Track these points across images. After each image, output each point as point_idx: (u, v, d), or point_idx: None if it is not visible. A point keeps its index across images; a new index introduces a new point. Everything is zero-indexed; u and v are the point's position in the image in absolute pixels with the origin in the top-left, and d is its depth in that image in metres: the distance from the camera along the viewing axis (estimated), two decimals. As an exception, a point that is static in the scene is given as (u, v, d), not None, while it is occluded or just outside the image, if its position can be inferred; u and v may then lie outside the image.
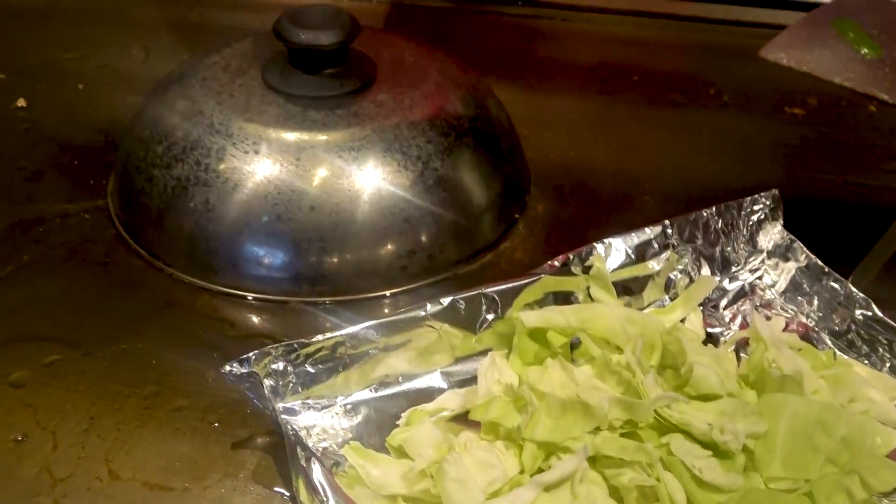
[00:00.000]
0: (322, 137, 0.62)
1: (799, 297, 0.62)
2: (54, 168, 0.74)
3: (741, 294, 0.62)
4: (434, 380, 0.56)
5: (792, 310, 0.61)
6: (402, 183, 0.62)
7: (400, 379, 0.55)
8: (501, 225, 0.68)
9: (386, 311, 0.62)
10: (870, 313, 0.58)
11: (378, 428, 0.53)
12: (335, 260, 0.62)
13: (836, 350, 0.59)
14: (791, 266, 0.63)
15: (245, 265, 0.62)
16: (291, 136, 0.62)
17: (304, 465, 0.46)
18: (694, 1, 1.01)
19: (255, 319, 0.61)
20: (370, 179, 0.62)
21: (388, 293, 0.63)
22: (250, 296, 0.62)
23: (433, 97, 0.67)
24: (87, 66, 0.89)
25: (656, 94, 0.87)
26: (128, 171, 0.67)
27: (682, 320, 0.60)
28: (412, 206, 0.62)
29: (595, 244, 0.60)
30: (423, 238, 0.63)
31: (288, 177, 0.61)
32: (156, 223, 0.65)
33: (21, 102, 0.83)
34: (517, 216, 0.70)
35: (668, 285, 0.61)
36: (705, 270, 0.62)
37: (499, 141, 0.69)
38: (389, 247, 0.62)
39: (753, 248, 0.64)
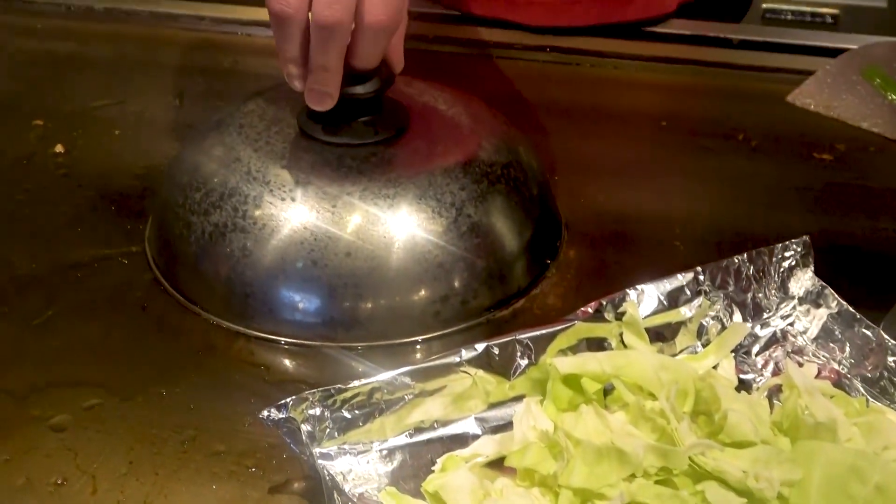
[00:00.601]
0: (357, 185, 0.63)
1: (831, 344, 0.62)
2: (92, 213, 0.75)
3: (773, 340, 0.62)
4: (469, 425, 0.56)
5: (824, 356, 0.61)
6: (436, 229, 0.63)
7: (435, 424, 0.56)
8: (534, 271, 0.69)
9: (418, 356, 0.62)
10: (902, 360, 0.58)
11: (414, 473, 0.53)
12: (369, 305, 0.62)
13: (869, 397, 0.59)
14: (822, 312, 0.63)
15: (281, 310, 0.63)
16: (327, 184, 0.63)
17: (342, 511, 0.47)
18: (721, 47, 1.02)
19: (291, 364, 0.62)
20: (404, 226, 0.62)
21: (420, 339, 0.64)
22: (284, 340, 0.63)
23: (466, 144, 0.68)
24: (123, 113, 0.90)
25: (685, 140, 0.87)
26: (165, 217, 0.68)
27: (715, 367, 0.60)
28: (446, 252, 0.63)
29: (627, 290, 0.60)
30: (457, 284, 0.64)
31: (323, 223, 0.62)
32: (193, 268, 0.66)
33: (59, 148, 0.84)
34: (549, 262, 0.70)
35: (701, 332, 0.61)
36: (737, 317, 0.62)
37: (531, 187, 0.70)
38: (423, 292, 0.63)
39: (785, 295, 0.64)
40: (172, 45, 1.05)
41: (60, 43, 1.05)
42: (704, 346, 0.61)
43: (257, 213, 0.63)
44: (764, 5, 1.19)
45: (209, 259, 0.64)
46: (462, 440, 0.55)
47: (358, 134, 0.66)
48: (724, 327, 0.62)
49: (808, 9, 1.62)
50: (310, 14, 0.59)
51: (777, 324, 0.63)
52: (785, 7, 1.58)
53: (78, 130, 0.87)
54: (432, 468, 0.53)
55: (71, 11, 1.10)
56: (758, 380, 0.60)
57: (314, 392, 0.53)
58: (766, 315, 0.63)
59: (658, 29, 1.04)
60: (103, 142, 0.86)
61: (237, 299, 0.64)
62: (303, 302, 0.62)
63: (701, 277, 0.61)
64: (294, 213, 0.62)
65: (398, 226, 0.62)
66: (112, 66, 1.01)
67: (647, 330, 0.59)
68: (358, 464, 0.53)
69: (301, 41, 0.61)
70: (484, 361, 0.56)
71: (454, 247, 0.63)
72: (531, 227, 0.68)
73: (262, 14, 0.95)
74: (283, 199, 0.63)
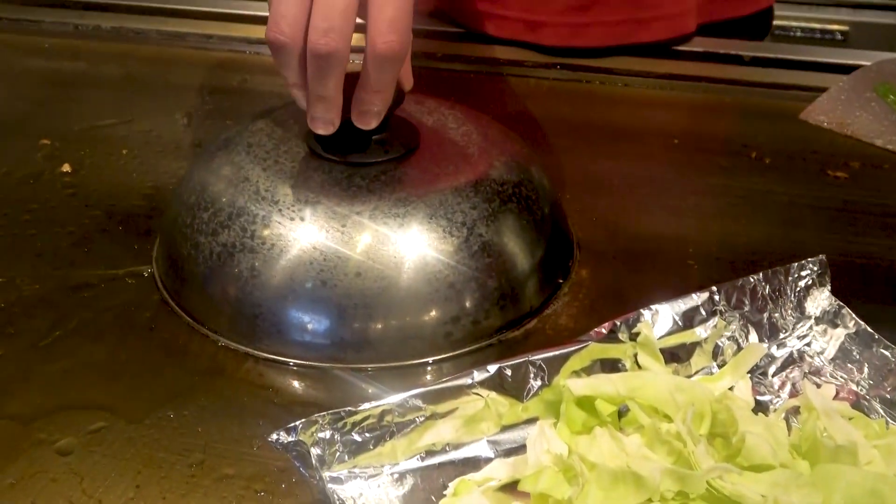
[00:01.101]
0: (367, 204, 0.62)
1: (848, 365, 0.61)
2: (100, 233, 0.75)
3: (790, 361, 0.61)
4: (481, 448, 0.55)
5: (842, 377, 0.60)
6: (447, 249, 0.62)
7: (447, 447, 0.55)
8: (546, 290, 0.68)
9: (429, 377, 0.62)
10: (921, 381, 0.57)
11: (425, 497, 0.52)
12: (379, 326, 0.62)
13: (888, 419, 0.58)
14: (840, 333, 0.62)
15: (289, 331, 0.62)
16: (336, 203, 0.62)
17: (353, 537, 0.46)
18: (733, 64, 1.02)
19: (299, 386, 0.61)
20: (415, 245, 0.62)
21: (431, 360, 0.63)
22: (293, 362, 0.62)
23: (477, 162, 0.67)
24: (131, 132, 0.90)
25: (697, 158, 0.87)
26: (173, 237, 0.67)
27: (731, 388, 0.59)
28: (457, 272, 0.62)
29: (642, 311, 0.59)
30: (468, 304, 0.63)
31: (333, 243, 0.61)
32: (201, 289, 0.65)
33: (66, 168, 0.84)
34: (561, 281, 0.69)
35: (716, 352, 0.61)
36: (753, 337, 0.61)
37: (543, 206, 0.69)
38: (434, 313, 0.62)
39: (801, 315, 0.63)
40: (180, 64, 1.05)
41: (68, 62, 1.05)
42: (720, 366, 0.60)
43: (266, 232, 0.62)
44: (773, 22, 1.18)
45: (217, 279, 0.63)
46: (474, 463, 0.54)
47: (368, 153, 0.65)
48: (739, 348, 0.61)
49: (818, 25, 1.62)
50: None
51: (794, 344, 0.62)
52: (794, 24, 1.58)
53: (85, 150, 0.87)
54: (444, 492, 0.52)
55: (78, 30, 1.11)
56: (775, 401, 0.59)
57: (324, 415, 0.52)
58: (782, 335, 0.62)
59: (674, 46, 1.04)
60: (111, 161, 0.85)
61: (246, 320, 0.63)
62: (312, 323, 0.61)
63: (716, 297, 0.61)
64: (303, 232, 0.62)
65: (408, 245, 0.62)
66: (120, 85, 1.01)
67: (662, 351, 0.58)
68: (369, 488, 0.52)
69: (300, 67, 0.60)
70: (496, 383, 0.55)
71: (465, 266, 0.62)
72: (543, 246, 0.68)
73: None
74: (291, 219, 0.62)
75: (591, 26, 1.03)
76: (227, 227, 0.63)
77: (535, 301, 0.67)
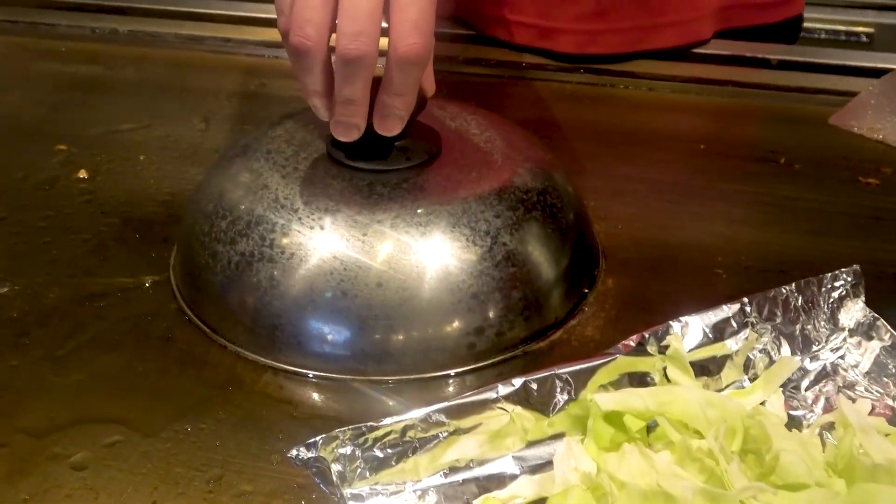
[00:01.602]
0: (388, 212, 0.61)
1: (884, 378, 0.59)
2: (115, 241, 0.74)
3: (823, 374, 0.60)
4: (506, 465, 0.53)
5: (877, 392, 0.59)
6: (470, 258, 0.61)
7: (471, 464, 0.53)
8: (571, 300, 0.66)
9: (451, 390, 0.60)
10: (961, 396, 0.56)
11: (449, 516, 0.51)
12: (401, 337, 0.60)
13: (926, 435, 0.56)
14: (875, 345, 0.61)
15: (309, 342, 0.61)
16: (357, 211, 0.61)
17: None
18: (760, 68, 1.00)
19: (319, 399, 0.60)
20: (437, 255, 0.60)
21: (453, 372, 0.61)
22: (312, 374, 0.61)
23: (500, 169, 0.66)
24: (148, 137, 0.89)
25: (725, 164, 0.85)
26: (191, 245, 0.66)
27: (763, 402, 0.57)
28: (480, 281, 0.61)
29: (671, 323, 0.58)
30: (492, 315, 0.61)
31: (353, 252, 0.60)
32: (218, 298, 0.64)
33: (82, 174, 0.83)
34: (586, 291, 0.68)
35: (747, 365, 0.59)
36: (785, 349, 0.60)
37: (567, 213, 0.67)
38: (456, 324, 0.61)
39: (835, 326, 0.61)
40: (198, 68, 1.04)
41: (84, 66, 1.04)
42: (751, 380, 0.59)
43: (285, 241, 0.61)
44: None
45: (235, 289, 0.62)
46: (499, 480, 0.53)
47: (389, 160, 0.64)
48: (771, 361, 0.59)
49: (843, 27, 1.60)
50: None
51: (827, 357, 0.60)
52: (819, 26, 1.57)
53: (102, 155, 0.86)
54: (468, 511, 0.51)
55: (95, 34, 1.10)
56: (808, 416, 0.57)
57: (345, 430, 0.51)
58: (815, 348, 0.61)
59: (694, 49, 1.03)
60: (127, 167, 0.84)
61: (264, 331, 0.61)
62: (332, 334, 0.60)
63: (748, 308, 0.59)
64: (323, 241, 0.60)
65: (431, 255, 0.60)
66: (137, 90, 1.00)
67: (692, 364, 0.57)
68: (391, 505, 0.51)
69: (323, 73, 0.59)
70: (522, 397, 0.54)
71: (489, 276, 0.61)
72: (568, 254, 0.66)
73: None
74: (311, 228, 0.61)
75: (605, 33, 1.02)
76: (246, 236, 0.62)
77: (560, 312, 0.65)
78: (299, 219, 0.61)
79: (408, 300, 0.60)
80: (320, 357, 0.61)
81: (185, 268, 0.67)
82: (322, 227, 0.61)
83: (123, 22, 1.13)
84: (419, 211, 0.61)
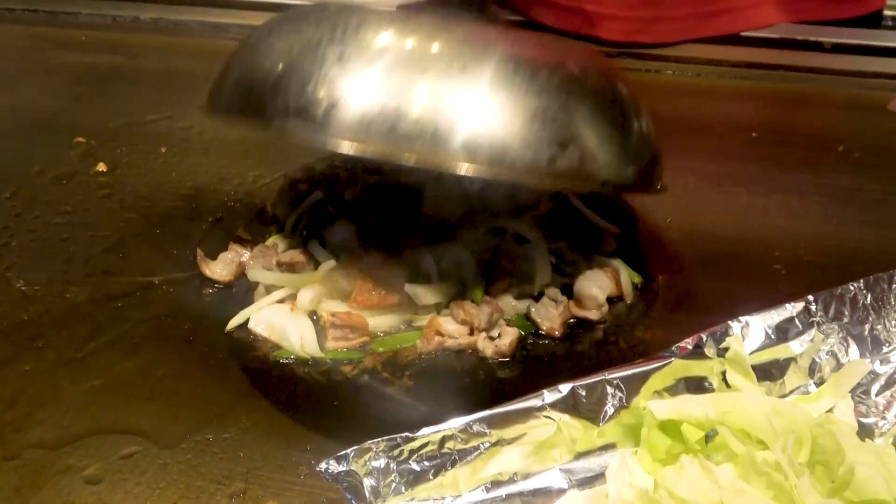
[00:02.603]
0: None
1: (962, 382, 0.55)
2: (135, 237, 0.71)
3: (895, 379, 0.56)
4: (553, 478, 0.50)
5: (954, 397, 0.55)
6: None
7: (515, 477, 0.50)
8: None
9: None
10: None
11: (492, 534, 0.48)
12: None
13: None
14: (950, 346, 0.57)
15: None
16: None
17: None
18: (814, 51, 0.97)
19: (350, 402, 0.57)
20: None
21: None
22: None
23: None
24: (170, 129, 0.87)
25: (779, 152, 0.82)
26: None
27: (830, 409, 0.54)
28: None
29: (730, 323, 0.54)
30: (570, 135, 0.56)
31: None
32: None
33: (101, 167, 0.81)
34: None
35: (813, 369, 0.55)
36: (854, 352, 0.56)
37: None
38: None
39: (906, 326, 0.57)
40: (222, 56, 1.01)
41: (105, 55, 1.04)
42: (818, 385, 0.55)
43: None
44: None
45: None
46: (545, 495, 0.50)
47: None
48: (839, 364, 0.56)
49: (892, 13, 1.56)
50: None
51: (899, 359, 0.57)
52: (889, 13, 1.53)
53: (122, 148, 0.84)
54: (513, 528, 0.48)
55: (116, 22, 1.10)
56: (880, 424, 0.54)
57: (378, 441, 0.48)
58: (885, 349, 0.57)
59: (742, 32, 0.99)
60: (149, 160, 0.83)
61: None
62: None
63: (813, 307, 0.56)
64: None
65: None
66: (159, 80, 0.99)
67: (754, 367, 0.54)
68: (428, 523, 0.49)
69: None
70: (569, 405, 0.51)
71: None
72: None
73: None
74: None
75: (658, 21, 0.99)
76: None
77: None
78: None
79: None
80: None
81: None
82: None
83: (146, 10, 1.12)
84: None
